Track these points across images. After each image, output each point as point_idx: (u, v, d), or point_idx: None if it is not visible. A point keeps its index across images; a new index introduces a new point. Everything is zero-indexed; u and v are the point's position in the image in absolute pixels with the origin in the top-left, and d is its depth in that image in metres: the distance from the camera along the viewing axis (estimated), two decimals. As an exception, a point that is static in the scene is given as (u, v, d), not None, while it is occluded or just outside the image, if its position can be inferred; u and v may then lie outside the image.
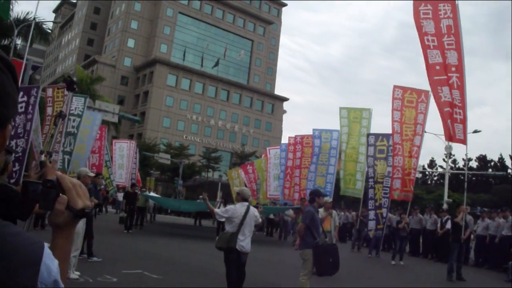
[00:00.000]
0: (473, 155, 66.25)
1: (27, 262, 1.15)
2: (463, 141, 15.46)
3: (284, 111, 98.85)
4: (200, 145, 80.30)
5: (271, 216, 29.29)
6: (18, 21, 25.60)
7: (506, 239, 19.26)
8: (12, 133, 13.38)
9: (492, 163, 65.66)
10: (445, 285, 14.97)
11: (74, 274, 9.79)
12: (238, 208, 8.57)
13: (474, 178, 59.99)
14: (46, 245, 1.23)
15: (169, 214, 42.79)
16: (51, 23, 49.26)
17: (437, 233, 20.78)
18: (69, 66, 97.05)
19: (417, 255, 23.50)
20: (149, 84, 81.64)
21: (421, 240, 24.19)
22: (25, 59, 16.87)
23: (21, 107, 13.69)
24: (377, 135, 20.94)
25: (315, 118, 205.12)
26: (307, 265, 9.08)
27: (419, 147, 19.18)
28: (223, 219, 8.90)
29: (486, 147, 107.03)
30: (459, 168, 60.11)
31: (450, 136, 15.58)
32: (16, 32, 23.46)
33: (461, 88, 15.27)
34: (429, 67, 15.75)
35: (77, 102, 17.89)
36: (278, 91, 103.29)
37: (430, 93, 18.93)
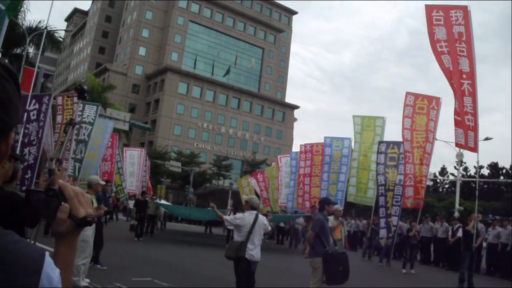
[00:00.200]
0: (485, 162, 65.74)
1: (27, 270, 1.14)
2: (474, 149, 15.35)
3: (295, 119, 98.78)
4: (211, 153, 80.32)
5: (282, 224, 29.21)
6: (30, 30, 25.80)
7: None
8: (26, 140, 13.47)
9: (504, 171, 65.16)
10: (457, 294, 14.88)
11: (84, 282, 9.80)
12: (247, 217, 8.52)
13: (485, 186, 59.65)
14: (47, 253, 1.23)
15: (179, 222, 42.76)
16: (63, 31, 49.63)
17: (448, 241, 20.63)
18: (80, 74, 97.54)
19: (428, 264, 23.34)
20: (160, 92, 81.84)
21: (432, 248, 24.02)
22: (36, 67, 16.95)
23: (33, 115, 13.78)
24: (388, 143, 20.88)
25: (327, 126, 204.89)
26: (316, 274, 9.04)
27: (430, 154, 19.09)
28: (232, 227, 8.86)
29: (498, 154, 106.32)
30: (470, 176, 59.69)
31: (460, 144, 15.48)
32: (28, 40, 23.62)
33: (473, 95, 15.18)
34: (446, 71, 15.65)
35: (89, 110, 17.95)
36: (289, 99, 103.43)
37: (441, 100, 18.92)
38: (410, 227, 20.29)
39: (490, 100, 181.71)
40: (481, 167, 59.75)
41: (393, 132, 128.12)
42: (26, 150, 13.50)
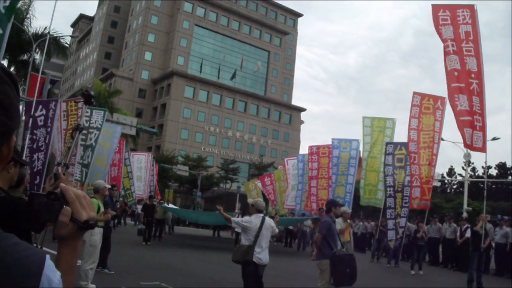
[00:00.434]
0: (493, 162, 65.40)
1: (27, 273, 1.14)
2: (482, 149, 15.28)
3: (302, 121, 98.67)
4: (218, 156, 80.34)
5: (290, 226, 29.18)
6: (36, 36, 25.91)
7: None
8: (34, 146, 13.54)
9: (512, 171, 64.80)
10: (466, 295, 14.82)
11: (92, 286, 9.81)
12: (254, 220, 8.49)
13: (493, 186, 59.33)
14: (48, 256, 1.23)
15: (187, 225, 42.77)
16: (69, 37, 49.87)
17: (457, 242, 20.56)
18: (87, 79, 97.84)
19: (436, 264, 23.24)
20: (166, 97, 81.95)
21: (440, 249, 23.94)
22: (40, 72, 17.06)
23: (41, 121, 13.85)
24: (395, 144, 20.81)
25: (333, 128, 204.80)
26: (324, 276, 9.03)
27: (436, 155, 19.05)
28: (239, 229, 8.85)
29: (506, 154, 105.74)
30: (478, 176, 59.43)
31: (468, 144, 15.40)
32: (34, 47, 23.73)
33: (481, 95, 15.13)
34: (448, 74, 15.60)
35: (97, 115, 18.01)
36: (295, 102, 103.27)
37: (446, 99, 18.85)
38: (417, 228, 20.23)
39: (497, 100, 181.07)
40: (489, 167, 59.49)
41: (399, 133, 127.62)
42: (35, 156, 13.57)
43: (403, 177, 19.59)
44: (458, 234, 20.74)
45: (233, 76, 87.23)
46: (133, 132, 31.41)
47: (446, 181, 66.00)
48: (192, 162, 63.15)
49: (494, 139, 34.06)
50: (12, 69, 28.00)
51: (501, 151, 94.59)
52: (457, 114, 15.33)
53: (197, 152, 75.71)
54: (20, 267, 1.14)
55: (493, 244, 20.02)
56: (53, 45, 30.12)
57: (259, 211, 8.65)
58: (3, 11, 6.31)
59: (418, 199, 19.07)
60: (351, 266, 8.99)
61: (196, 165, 62.10)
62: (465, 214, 23.05)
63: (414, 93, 19.49)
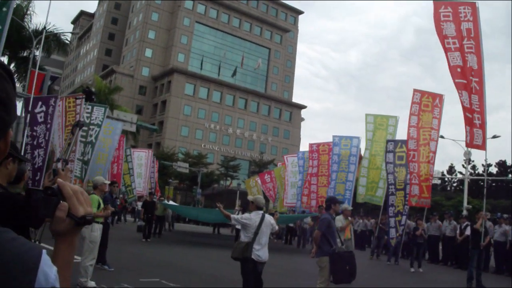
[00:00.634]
0: (493, 160, 65.32)
1: (24, 268, 1.14)
2: (482, 147, 15.26)
3: (302, 119, 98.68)
4: (218, 153, 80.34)
5: (291, 224, 29.19)
6: (37, 33, 25.87)
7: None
8: (34, 143, 13.55)
9: (512, 169, 64.73)
10: (465, 293, 14.82)
11: (92, 283, 9.81)
12: (253, 217, 8.48)
13: (494, 184, 59.25)
14: (44, 251, 1.23)
15: (187, 222, 42.79)
16: (70, 34, 49.83)
17: (457, 239, 20.56)
18: (87, 76, 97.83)
19: (436, 262, 23.25)
20: (167, 93, 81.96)
21: (440, 247, 23.94)
22: (37, 68, 17.08)
23: (41, 117, 13.85)
24: (396, 142, 20.83)
25: (334, 125, 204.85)
26: (323, 273, 9.03)
27: (435, 152, 19.06)
28: (239, 226, 8.84)
29: (506, 152, 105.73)
30: (478, 174, 59.43)
31: (468, 142, 15.38)
32: (34, 43, 23.72)
33: (480, 93, 15.08)
34: (451, 69, 15.57)
35: (97, 112, 17.99)
36: (296, 99, 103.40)
37: (444, 97, 18.88)
38: (416, 225, 20.24)
39: (497, 98, 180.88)
40: (489, 165, 59.47)
41: (399, 131, 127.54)
42: (35, 153, 13.58)
43: (404, 175, 19.61)
44: (458, 232, 20.74)
45: (234, 73, 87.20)
46: (133, 129, 31.38)
47: (446, 179, 65.96)
48: (192, 159, 63.16)
49: (494, 137, 34.05)
50: (12, 65, 28.00)
51: (501, 149, 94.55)
52: (464, 110, 15.31)
53: (197, 149, 75.67)
54: (16, 262, 1.14)
55: (492, 242, 20.00)
56: (54, 41, 30.07)
57: (259, 208, 8.64)
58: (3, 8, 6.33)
59: (416, 196, 19.04)
60: (351, 264, 8.99)
61: (196, 162, 62.08)
62: (465, 212, 23.05)
63: (415, 90, 19.48)
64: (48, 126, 13.70)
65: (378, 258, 23.22)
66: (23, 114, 14.43)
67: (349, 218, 13.24)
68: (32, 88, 14.82)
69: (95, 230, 10.12)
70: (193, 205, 50.97)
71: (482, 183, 49.07)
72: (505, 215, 21.91)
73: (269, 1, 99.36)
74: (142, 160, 31.48)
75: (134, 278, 11.37)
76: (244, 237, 8.47)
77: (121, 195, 35.44)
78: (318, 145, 25.16)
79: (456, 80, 15.44)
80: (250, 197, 9.22)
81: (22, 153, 13.09)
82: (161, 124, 79.61)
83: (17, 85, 24.45)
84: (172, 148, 67.18)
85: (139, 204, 33.41)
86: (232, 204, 42.17)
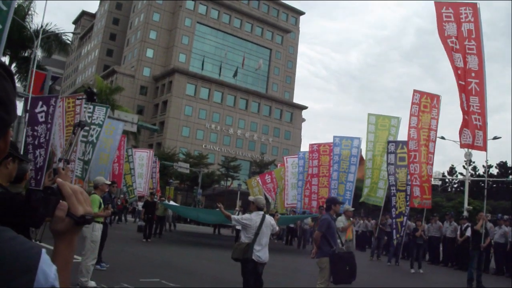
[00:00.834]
0: (494, 161, 65.42)
1: (23, 267, 1.14)
2: (483, 148, 15.25)
3: (303, 120, 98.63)
4: (219, 154, 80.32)
5: (291, 225, 29.18)
6: (38, 33, 25.90)
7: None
8: (36, 142, 13.57)
9: (513, 170, 64.71)
10: (466, 294, 14.81)
11: (92, 283, 9.81)
12: (254, 218, 8.48)
13: (494, 185, 59.29)
14: (44, 250, 1.23)
15: (188, 223, 42.78)
16: (71, 34, 49.81)
17: (457, 240, 20.55)
18: (88, 76, 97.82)
19: (436, 263, 23.23)
20: (168, 94, 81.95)
21: (441, 248, 23.92)
22: (34, 67, 17.06)
23: (41, 117, 13.85)
24: (397, 143, 20.82)
25: (334, 126, 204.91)
26: (323, 274, 9.03)
27: (433, 153, 19.06)
28: (239, 226, 8.83)
29: (507, 153, 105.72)
30: (479, 175, 59.43)
31: (469, 144, 15.35)
32: (36, 43, 23.72)
33: (481, 94, 15.08)
34: (455, 71, 15.56)
35: (99, 112, 17.98)
36: (296, 100, 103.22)
37: (441, 98, 18.90)
38: (416, 226, 20.22)
39: (498, 99, 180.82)
40: (490, 166, 59.46)
41: (400, 132, 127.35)
42: (37, 152, 13.60)
43: (405, 176, 19.60)
44: (458, 233, 20.71)
45: (235, 74, 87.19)
46: (134, 129, 31.36)
47: (447, 180, 65.99)
48: (193, 159, 63.15)
49: (495, 138, 34.07)
50: (13, 65, 28.01)
51: (502, 150, 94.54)
52: (464, 112, 15.31)
53: (198, 150, 75.68)
54: (16, 261, 1.14)
55: (493, 243, 19.99)
56: (54, 42, 30.08)
57: (259, 209, 8.64)
58: (4, 7, 6.33)
59: (419, 198, 19.01)
60: (351, 264, 8.99)
61: (197, 162, 62.09)
62: (465, 213, 22.97)
63: (414, 91, 19.49)
64: (49, 126, 13.71)
65: (378, 259, 23.21)
66: (24, 114, 14.44)
67: (351, 219, 13.23)
68: (30, 88, 14.83)
69: (96, 230, 10.14)
70: (193, 205, 50.96)
71: (482, 184, 49.09)
72: (505, 216, 21.89)
73: (270, 1, 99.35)
74: (143, 160, 31.50)
75: (134, 278, 11.37)
76: (244, 238, 8.46)
77: (122, 195, 35.46)
78: (319, 145, 25.15)
79: (460, 82, 15.43)
80: (251, 198, 9.22)
81: (24, 153, 13.12)
82: (162, 125, 79.60)
83: (18, 85, 24.44)
84: (173, 149, 67.20)
85: (140, 204, 33.43)
86: (233, 205, 42.21)
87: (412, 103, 19.17)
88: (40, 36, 20.10)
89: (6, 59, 26.01)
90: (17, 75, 28.04)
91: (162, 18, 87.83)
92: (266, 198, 27.48)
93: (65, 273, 1.40)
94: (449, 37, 15.68)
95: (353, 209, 14.40)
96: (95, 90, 12.20)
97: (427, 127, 18.96)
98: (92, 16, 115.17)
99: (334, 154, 23.34)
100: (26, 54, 28.86)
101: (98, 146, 17.80)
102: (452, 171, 68.02)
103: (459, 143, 15.69)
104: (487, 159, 16.75)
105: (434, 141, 19.21)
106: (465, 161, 33.11)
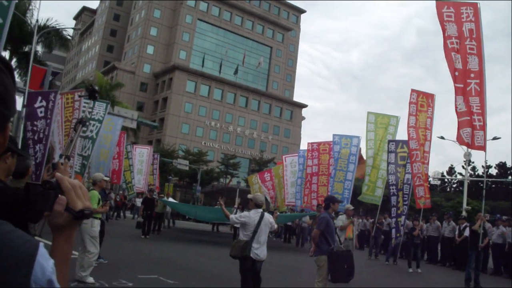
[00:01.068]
0: (493, 162, 65.46)
1: (20, 261, 1.14)
2: (483, 148, 15.24)
3: (303, 118, 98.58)
4: (219, 151, 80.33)
5: (289, 223, 29.17)
6: (39, 28, 25.88)
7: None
8: (35, 138, 13.58)
9: (512, 170, 64.74)
10: (463, 293, 14.82)
11: (91, 278, 9.82)
12: (252, 215, 8.47)
13: (493, 186, 59.34)
14: (41, 244, 1.23)
15: (187, 220, 42.78)
16: (72, 29, 49.77)
17: (455, 240, 20.56)
18: (89, 72, 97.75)
19: (434, 263, 23.25)
20: (168, 91, 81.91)
21: (439, 248, 23.94)
22: (31, 61, 17.05)
23: (41, 112, 13.86)
24: (397, 142, 20.82)
25: (335, 125, 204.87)
26: (322, 272, 9.03)
27: (428, 152, 19.07)
28: (238, 225, 8.83)
29: (506, 154, 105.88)
30: (478, 176, 59.45)
31: (467, 143, 15.34)
32: (36, 38, 23.70)
33: (481, 94, 15.06)
34: (452, 72, 15.54)
35: (99, 108, 17.97)
36: (297, 98, 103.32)
37: (435, 97, 18.93)
38: (413, 226, 20.23)
39: (498, 100, 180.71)
40: (489, 166, 59.45)
41: (399, 131, 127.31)
42: (37, 147, 13.61)
43: (404, 176, 19.61)
44: (456, 233, 20.73)
45: (236, 71, 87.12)
46: (134, 125, 31.36)
47: (446, 180, 66.01)
48: (193, 156, 63.16)
49: (494, 138, 34.06)
50: (13, 60, 27.99)
51: (501, 151, 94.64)
52: (458, 115, 15.31)
53: (197, 147, 75.73)
54: (13, 254, 1.14)
55: (491, 243, 20.00)
56: (55, 37, 30.06)
57: (258, 206, 8.62)
58: (5, 2, 6.31)
59: (423, 198, 18.97)
60: (349, 263, 9.00)
61: (197, 159, 62.09)
62: (464, 213, 22.99)
63: (412, 90, 19.49)
64: (48, 121, 13.71)
65: (376, 258, 23.20)
66: (24, 109, 14.44)
67: (351, 217, 13.24)
68: (27, 83, 14.83)
69: (95, 226, 10.18)
70: (192, 202, 50.96)
71: (481, 185, 49.11)
72: (504, 217, 21.92)
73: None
74: (143, 157, 31.51)
75: (132, 274, 11.37)
76: (243, 236, 8.46)
77: (121, 192, 35.45)
78: (319, 144, 25.13)
79: (455, 85, 15.41)
80: (249, 195, 9.21)
81: (23, 148, 13.13)
82: (162, 121, 79.60)
83: (18, 80, 24.42)
84: (173, 145, 67.14)
85: (139, 200, 33.42)
86: (232, 202, 42.17)
87: (410, 103, 19.17)
88: (35, 31, 20.03)
89: (6, 54, 25.98)
90: (17, 70, 28.01)
91: (163, 15, 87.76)
92: (265, 197, 27.47)
93: (63, 267, 1.40)
94: (449, 38, 15.66)
95: (353, 207, 14.41)
96: (96, 88, 12.17)
97: (423, 126, 18.97)
98: (93, 12, 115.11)
99: (334, 152, 23.33)
100: (26, 50, 28.83)
101: (98, 142, 17.80)
102: (451, 171, 68.06)
103: (457, 142, 15.69)
104: (486, 159, 16.73)
105: (430, 140, 19.22)
106: (464, 161, 33.13)
